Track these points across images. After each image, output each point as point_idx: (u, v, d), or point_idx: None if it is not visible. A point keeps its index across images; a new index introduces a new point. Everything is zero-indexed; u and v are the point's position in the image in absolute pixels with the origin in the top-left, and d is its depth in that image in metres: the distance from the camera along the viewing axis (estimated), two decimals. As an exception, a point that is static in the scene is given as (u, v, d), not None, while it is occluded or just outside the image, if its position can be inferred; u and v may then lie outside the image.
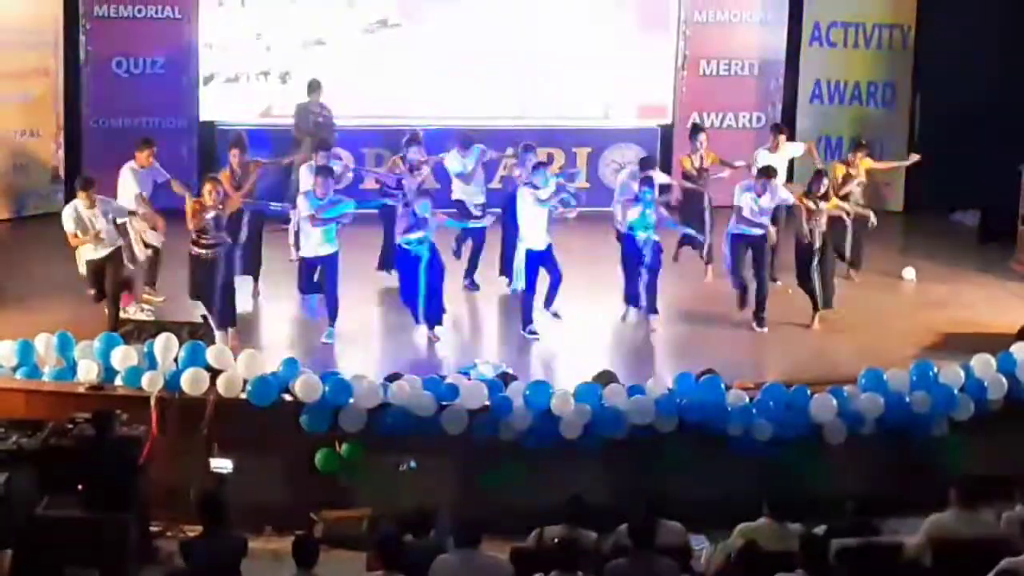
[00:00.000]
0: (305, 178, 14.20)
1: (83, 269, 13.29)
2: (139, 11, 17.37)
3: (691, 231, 14.77)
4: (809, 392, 11.81)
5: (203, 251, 12.90)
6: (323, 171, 13.55)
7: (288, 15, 17.75)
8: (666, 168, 16.62)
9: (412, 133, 15.06)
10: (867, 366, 12.18)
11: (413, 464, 11.45)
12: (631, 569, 8.68)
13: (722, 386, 11.85)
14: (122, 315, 13.14)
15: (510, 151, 15.47)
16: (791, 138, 16.52)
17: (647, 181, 13.91)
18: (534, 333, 13.59)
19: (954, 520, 9.39)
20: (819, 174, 14.28)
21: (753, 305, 14.06)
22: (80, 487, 10.26)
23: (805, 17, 18.65)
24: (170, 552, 10.33)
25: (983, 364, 12.23)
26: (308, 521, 11.14)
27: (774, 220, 14.26)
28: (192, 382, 11.53)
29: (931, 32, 18.34)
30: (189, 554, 9.22)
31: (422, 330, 13.51)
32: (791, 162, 16.08)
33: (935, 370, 12.14)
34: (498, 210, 14.70)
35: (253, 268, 14.52)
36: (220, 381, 11.58)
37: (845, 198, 14.91)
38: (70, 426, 10.86)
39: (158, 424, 11.33)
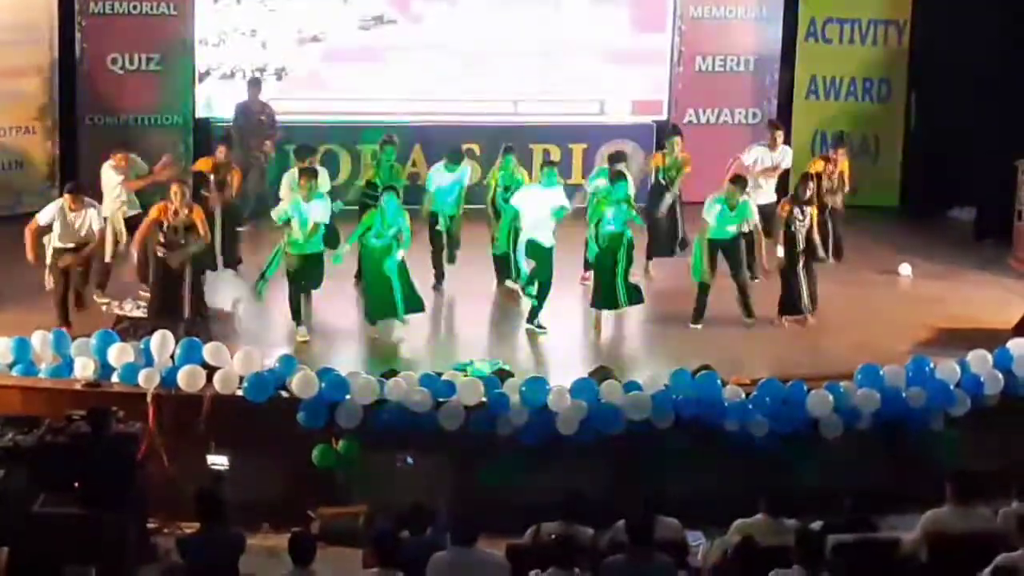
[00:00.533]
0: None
1: (29, 254, 13.16)
2: (134, 8, 17.32)
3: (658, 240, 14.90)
4: (805, 388, 11.83)
5: (165, 254, 12.85)
6: (307, 173, 13.56)
7: (283, 11, 17.72)
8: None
9: (387, 136, 15.10)
10: (863, 362, 12.21)
11: (410, 461, 11.46)
12: (628, 565, 8.68)
13: (718, 382, 11.86)
14: (118, 312, 13.14)
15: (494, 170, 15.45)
16: (788, 134, 16.53)
17: (620, 176, 13.93)
18: (541, 327, 13.60)
19: (950, 515, 9.40)
20: (806, 178, 14.31)
21: (738, 302, 14.06)
22: (77, 484, 10.28)
23: (800, 13, 18.62)
24: (167, 549, 10.34)
25: (979, 360, 12.25)
26: (305, 518, 11.15)
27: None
28: (188, 379, 11.54)
29: (926, 28, 18.33)
30: (186, 551, 9.23)
31: (415, 326, 13.51)
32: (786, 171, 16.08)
33: (931, 366, 12.17)
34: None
35: (232, 262, 14.61)
36: (216, 378, 11.58)
37: (828, 195, 15.04)
38: (66, 423, 10.86)
39: (155, 421, 11.35)
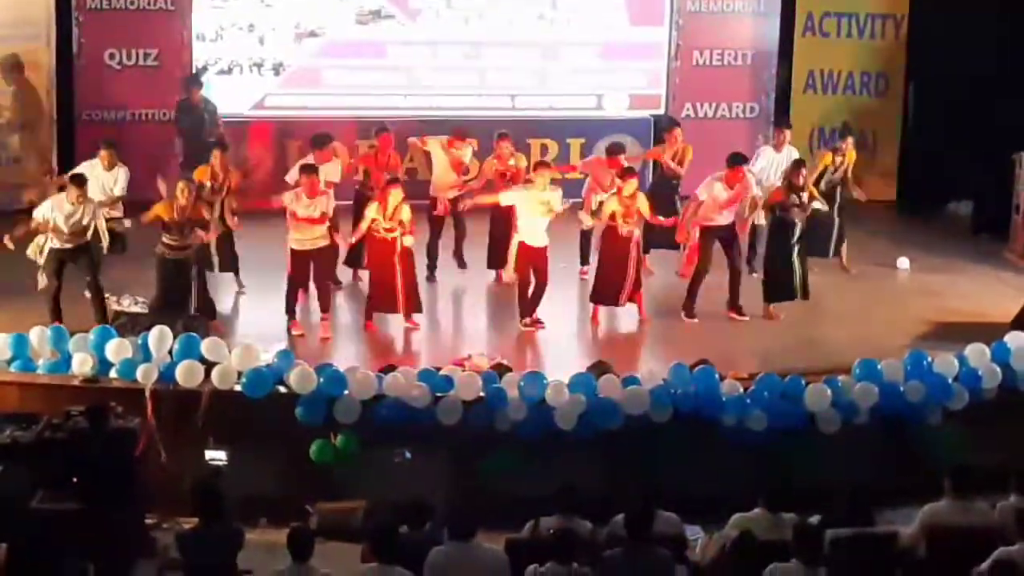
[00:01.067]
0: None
1: (32, 254, 13.16)
2: (131, 3, 17.31)
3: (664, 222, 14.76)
4: (803, 382, 11.84)
5: (173, 253, 12.88)
6: (308, 169, 13.53)
7: (281, 6, 17.72)
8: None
9: (380, 125, 15.08)
10: (861, 356, 12.21)
11: (408, 455, 11.47)
12: (627, 559, 8.69)
13: (716, 376, 11.87)
14: (116, 308, 13.12)
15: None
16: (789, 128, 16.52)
17: (630, 172, 13.88)
18: (539, 322, 13.57)
19: (948, 510, 9.41)
20: (798, 164, 14.28)
21: (728, 295, 14.05)
22: (75, 480, 10.29)
23: (798, 7, 18.63)
24: (166, 544, 10.31)
25: (977, 353, 12.26)
26: (303, 513, 11.16)
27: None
28: (187, 374, 11.54)
29: (924, 22, 18.34)
30: (185, 546, 9.22)
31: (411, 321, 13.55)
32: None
33: (929, 360, 12.17)
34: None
35: (232, 265, 14.46)
36: (215, 373, 11.59)
37: (830, 190, 14.98)
38: (65, 419, 10.86)
39: (153, 416, 11.35)
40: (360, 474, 11.49)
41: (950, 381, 12.05)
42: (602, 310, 13.86)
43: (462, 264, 15.26)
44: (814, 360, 12.75)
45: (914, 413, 11.92)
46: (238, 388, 11.59)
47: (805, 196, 13.97)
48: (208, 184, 14.02)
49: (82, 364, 11.76)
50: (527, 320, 13.57)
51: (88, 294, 13.18)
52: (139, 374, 11.56)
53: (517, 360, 12.69)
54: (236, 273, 14.50)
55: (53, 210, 12.91)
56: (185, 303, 12.86)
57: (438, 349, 13.26)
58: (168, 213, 12.90)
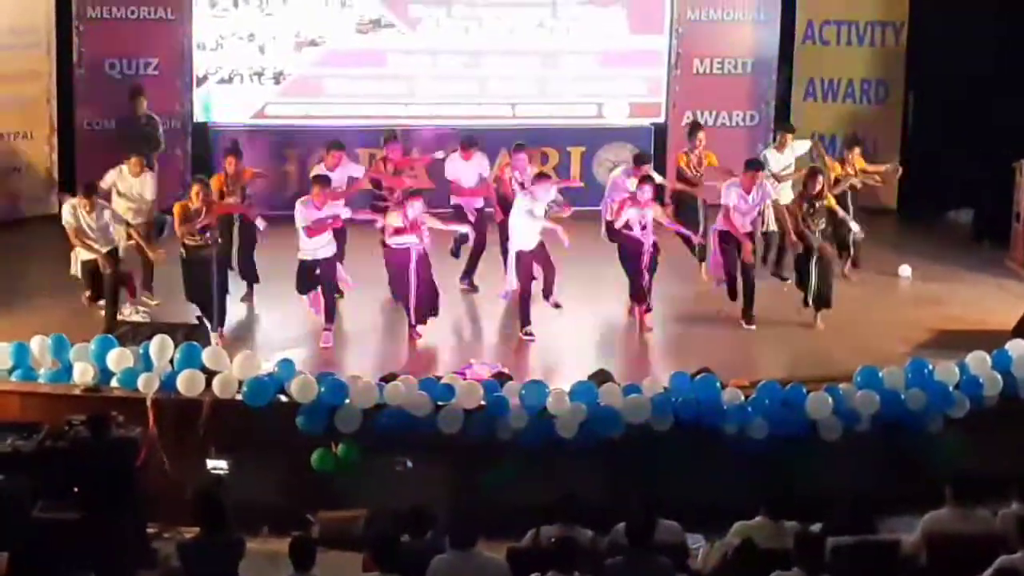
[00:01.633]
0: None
1: (75, 270, 13.30)
2: (132, 12, 17.35)
3: (684, 231, 14.74)
4: (805, 390, 11.82)
5: (193, 250, 12.96)
6: (320, 180, 13.53)
7: (281, 15, 17.74)
8: (659, 167, 16.58)
9: (390, 132, 15.08)
10: (863, 363, 12.19)
11: (409, 464, 11.46)
12: (628, 568, 8.68)
13: (718, 384, 11.86)
14: (118, 316, 13.13)
15: (503, 154, 15.43)
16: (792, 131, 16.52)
17: (647, 180, 13.91)
18: (530, 335, 13.58)
19: (950, 517, 9.40)
20: (814, 172, 14.26)
21: (741, 302, 14.06)
22: (76, 489, 10.28)
23: (798, 15, 18.66)
24: (167, 554, 10.30)
25: (978, 361, 12.25)
26: (304, 522, 11.15)
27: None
28: (188, 383, 11.53)
29: (924, 29, 18.35)
30: (186, 556, 9.21)
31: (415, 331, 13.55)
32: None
33: (930, 367, 12.15)
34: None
35: (250, 275, 14.43)
36: (216, 382, 11.58)
37: (840, 197, 14.96)
38: (66, 428, 10.86)
39: (154, 426, 11.34)
40: (361, 483, 11.48)
41: (951, 389, 12.03)
42: (600, 317, 13.86)
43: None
44: (815, 368, 12.74)
45: (915, 421, 11.90)
46: (239, 397, 11.59)
47: (820, 205, 13.95)
48: (224, 192, 14.02)
49: (83, 373, 11.76)
50: (528, 329, 13.58)
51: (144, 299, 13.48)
52: (140, 383, 11.56)
53: (518, 369, 12.69)
54: (250, 283, 14.44)
55: (71, 216, 13.00)
56: (206, 302, 12.95)
57: (439, 358, 13.25)
58: (184, 214, 12.99)
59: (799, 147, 15.85)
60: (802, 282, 14.04)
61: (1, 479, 10.22)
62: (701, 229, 15.07)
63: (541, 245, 13.67)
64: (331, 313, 13.44)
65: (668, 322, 14.15)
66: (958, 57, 17.51)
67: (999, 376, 12.15)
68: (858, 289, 15.26)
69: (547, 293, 13.86)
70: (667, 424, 11.64)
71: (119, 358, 11.79)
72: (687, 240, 15.05)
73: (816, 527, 9.29)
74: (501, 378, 12.03)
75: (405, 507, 9.58)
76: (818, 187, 14.01)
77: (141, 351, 11.86)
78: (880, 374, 12.03)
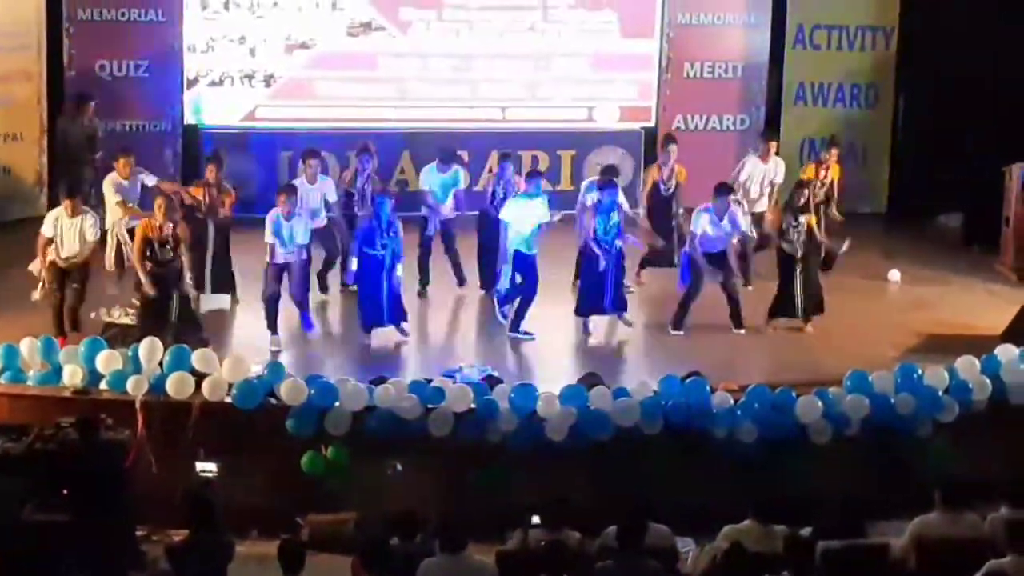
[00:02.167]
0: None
1: (35, 268, 13.14)
2: (122, 14, 17.31)
3: (656, 249, 14.85)
4: (794, 394, 11.83)
5: (155, 269, 12.82)
6: (287, 189, 13.57)
7: (272, 18, 17.71)
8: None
9: (363, 143, 15.08)
10: (852, 368, 12.21)
11: (399, 467, 11.46)
12: (618, 571, 8.68)
13: (707, 388, 11.87)
14: (107, 320, 13.09)
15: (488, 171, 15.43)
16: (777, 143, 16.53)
17: (610, 186, 13.91)
18: (528, 333, 13.60)
19: (939, 521, 9.43)
20: (800, 185, 14.33)
21: (728, 310, 14.07)
22: (65, 492, 10.26)
23: (788, 19, 18.66)
24: (156, 557, 10.31)
25: (967, 366, 12.27)
26: (294, 525, 11.14)
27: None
28: (177, 386, 11.51)
29: (914, 34, 18.39)
30: (175, 559, 9.21)
31: (402, 333, 13.56)
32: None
33: (920, 372, 12.18)
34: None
35: (227, 285, 14.38)
36: (205, 385, 11.57)
37: (823, 204, 14.99)
38: (55, 431, 10.83)
39: (143, 428, 11.33)
40: (351, 486, 11.46)
41: (940, 393, 12.05)
42: (590, 320, 13.88)
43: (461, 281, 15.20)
44: (805, 372, 12.75)
45: (904, 425, 11.92)
46: (228, 400, 11.57)
47: (804, 219, 13.94)
48: (203, 201, 13.98)
49: (72, 376, 11.74)
50: (524, 328, 13.62)
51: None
52: (129, 386, 11.54)
53: (508, 372, 12.69)
54: (232, 292, 14.40)
55: (54, 225, 12.95)
56: (166, 321, 12.72)
57: (429, 361, 13.25)
58: (148, 231, 12.86)
59: (779, 166, 15.79)
60: (787, 292, 14.02)
61: (-10, 481, 10.21)
62: (676, 240, 15.09)
63: (534, 259, 13.74)
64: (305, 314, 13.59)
65: (658, 326, 14.15)
66: (948, 62, 17.55)
67: (988, 381, 12.17)
68: (848, 293, 15.25)
69: (516, 323, 13.76)
70: (657, 427, 11.65)
71: (108, 360, 11.76)
72: (659, 261, 15.10)
73: (805, 531, 9.31)
74: (491, 381, 12.03)
75: (395, 510, 9.58)
76: (802, 200, 14.05)
77: (130, 353, 11.83)
78: (870, 378, 12.04)
